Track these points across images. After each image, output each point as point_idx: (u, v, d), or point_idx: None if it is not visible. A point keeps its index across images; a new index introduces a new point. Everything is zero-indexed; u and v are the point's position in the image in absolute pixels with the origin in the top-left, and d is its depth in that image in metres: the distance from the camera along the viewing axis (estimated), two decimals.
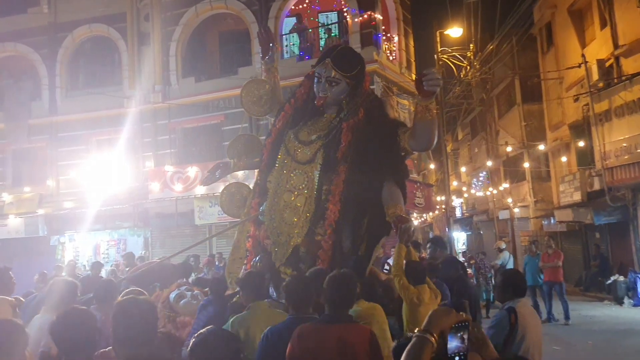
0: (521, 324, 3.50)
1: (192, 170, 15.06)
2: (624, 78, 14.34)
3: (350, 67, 5.11)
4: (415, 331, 1.84)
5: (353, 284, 3.37)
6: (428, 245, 6.41)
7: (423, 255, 8.02)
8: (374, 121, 5.06)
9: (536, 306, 11.13)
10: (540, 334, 3.68)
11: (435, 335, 1.81)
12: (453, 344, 1.82)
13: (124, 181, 15.66)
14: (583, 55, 15.65)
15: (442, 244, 6.55)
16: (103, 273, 9.96)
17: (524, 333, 3.49)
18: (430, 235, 24.09)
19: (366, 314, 3.74)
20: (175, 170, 15.51)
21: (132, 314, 2.39)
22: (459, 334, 1.82)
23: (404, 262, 4.57)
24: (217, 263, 11.82)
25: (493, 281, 13.13)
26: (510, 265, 13.93)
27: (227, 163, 6.01)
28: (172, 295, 5.60)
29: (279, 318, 3.66)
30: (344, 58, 5.17)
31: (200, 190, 14.48)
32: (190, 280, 7.89)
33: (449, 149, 25.59)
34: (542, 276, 12.06)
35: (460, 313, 1.88)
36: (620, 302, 13.89)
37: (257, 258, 5.25)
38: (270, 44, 5.75)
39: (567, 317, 11.43)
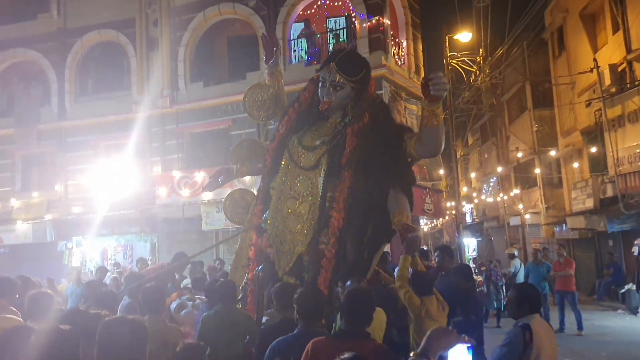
0: (536, 342, 3.33)
1: (200, 176, 14.95)
2: (637, 83, 14.13)
3: (355, 71, 5.00)
4: (412, 355, 1.70)
5: (371, 300, 3.25)
6: (436, 254, 6.25)
7: (432, 263, 7.86)
8: (380, 126, 4.94)
9: None
10: (556, 350, 3.51)
11: (432, 359, 1.66)
12: None
13: (131, 186, 15.60)
14: (595, 60, 15.42)
15: (450, 253, 6.37)
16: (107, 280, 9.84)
17: (539, 352, 3.32)
18: (442, 242, 23.88)
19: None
20: (182, 175, 15.43)
21: (118, 335, 2.23)
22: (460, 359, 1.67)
23: (410, 272, 4.43)
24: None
25: (504, 289, 12.90)
26: (521, 273, 13.68)
27: (230, 169, 5.91)
28: (173, 305, 5.49)
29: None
30: (349, 62, 5.06)
31: (207, 195, 14.36)
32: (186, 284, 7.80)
33: (458, 154, 25.32)
34: (545, 285, 11.67)
35: (463, 336, 1.72)
36: (634, 311, 13.59)
37: (260, 267, 5.13)
38: (274, 48, 5.66)
39: (580, 327, 11.16)
